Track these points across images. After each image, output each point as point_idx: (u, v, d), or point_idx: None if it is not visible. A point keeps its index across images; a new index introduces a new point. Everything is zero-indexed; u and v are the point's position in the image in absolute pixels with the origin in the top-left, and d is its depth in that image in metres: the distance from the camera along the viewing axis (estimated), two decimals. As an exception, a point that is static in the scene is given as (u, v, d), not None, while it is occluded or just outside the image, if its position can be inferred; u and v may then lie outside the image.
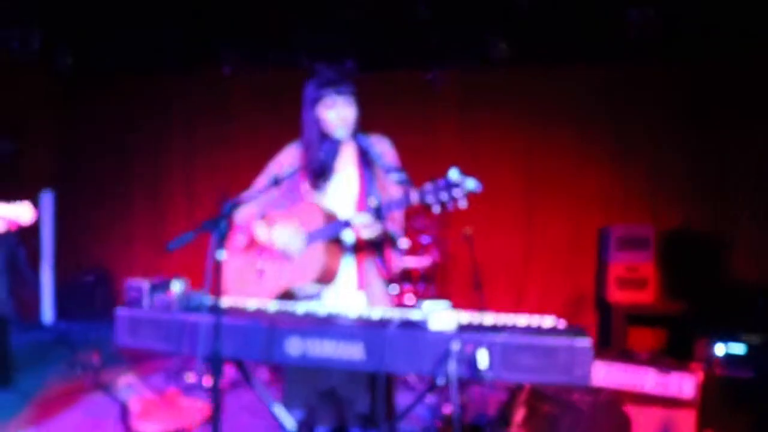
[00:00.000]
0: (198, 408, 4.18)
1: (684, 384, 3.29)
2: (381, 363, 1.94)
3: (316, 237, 2.48)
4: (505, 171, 6.25)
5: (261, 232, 2.60)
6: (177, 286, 2.28)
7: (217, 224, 2.00)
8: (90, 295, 6.66)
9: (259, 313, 2.24)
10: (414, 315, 2.09)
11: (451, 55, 6.08)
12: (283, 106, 6.52)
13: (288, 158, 2.68)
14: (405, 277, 5.28)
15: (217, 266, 1.99)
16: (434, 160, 6.28)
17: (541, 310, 5.80)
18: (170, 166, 6.87)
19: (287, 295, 2.56)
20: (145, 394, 4.43)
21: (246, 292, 2.64)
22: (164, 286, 2.35)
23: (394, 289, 2.71)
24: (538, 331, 1.94)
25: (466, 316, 2.14)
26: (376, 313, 2.25)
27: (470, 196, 2.04)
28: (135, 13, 5.62)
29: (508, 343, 1.86)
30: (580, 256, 6.16)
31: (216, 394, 2.04)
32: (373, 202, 2.30)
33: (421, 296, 5.27)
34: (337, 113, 2.50)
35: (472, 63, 6.11)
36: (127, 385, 4.76)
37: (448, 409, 4.21)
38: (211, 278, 2.01)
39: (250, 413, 4.19)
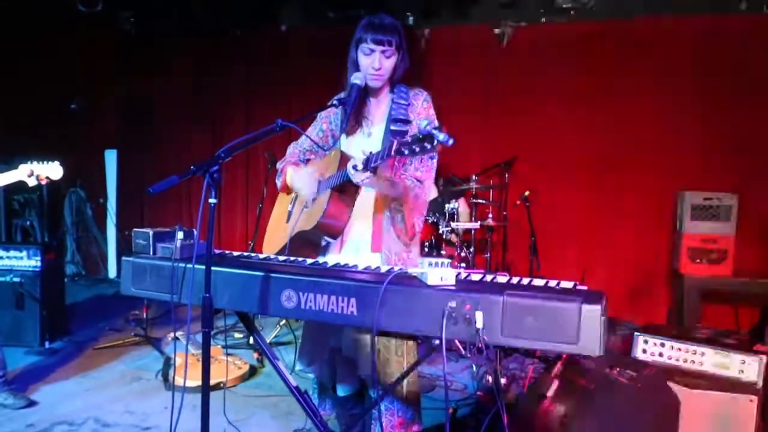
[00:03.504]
0: (237, 365, 4.19)
1: (747, 367, 2.97)
2: (373, 319, 1.79)
3: (327, 184, 2.40)
4: (573, 131, 5.87)
5: (288, 176, 2.61)
6: (180, 235, 2.20)
7: (207, 168, 1.88)
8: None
9: (258, 264, 2.14)
10: (412, 270, 1.93)
11: (518, 7, 5.75)
12: (340, 65, 6.47)
13: (334, 108, 2.58)
14: (457, 242, 5.07)
15: (209, 211, 1.89)
16: (496, 116, 6.01)
17: (609, 283, 5.55)
18: (230, 125, 6.90)
19: (300, 239, 2.47)
20: (188, 349, 4.48)
21: (277, 234, 2.67)
22: (169, 235, 2.30)
23: (415, 253, 2.53)
24: (546, 292, 1.73)
25: (476, 275, 1.96)
26: (380, 267, 2.10)
27: (444, 148, 1.93)
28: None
29: (509, 303, 1.67)
30: (654, 226, 5.72)
31: (206, 344, 1.95)
32: (364, 152, 2.16)
33: (471, 264, 5.06)
34: (371, 62, 2.38)
35: (539, 15, 5.78)
36: (175, 340, 4.84)
37: (490, 379, 4.05)
38: (201, 223, 1.92)
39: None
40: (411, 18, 6.29)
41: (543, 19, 5.88)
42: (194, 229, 2.30)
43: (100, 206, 7.27)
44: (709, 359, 3.05)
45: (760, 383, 2.92)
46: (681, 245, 5.29)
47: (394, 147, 1.97)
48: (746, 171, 5.40)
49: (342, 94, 2.50)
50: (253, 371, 4.28)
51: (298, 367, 2.64)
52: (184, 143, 7.01)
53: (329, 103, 2.37)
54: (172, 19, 6.48)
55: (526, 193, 5.25)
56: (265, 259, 2.31)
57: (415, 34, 6.18)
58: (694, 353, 3.10)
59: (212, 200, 1.90)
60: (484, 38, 6.10)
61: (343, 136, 2.56)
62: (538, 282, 1.88)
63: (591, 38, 5.79)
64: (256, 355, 4.51)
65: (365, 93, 2.48)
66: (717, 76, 5.49)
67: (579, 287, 1.82)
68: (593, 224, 5.95)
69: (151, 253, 2.29)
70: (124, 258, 2.28)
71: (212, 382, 3.91)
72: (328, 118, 2.66)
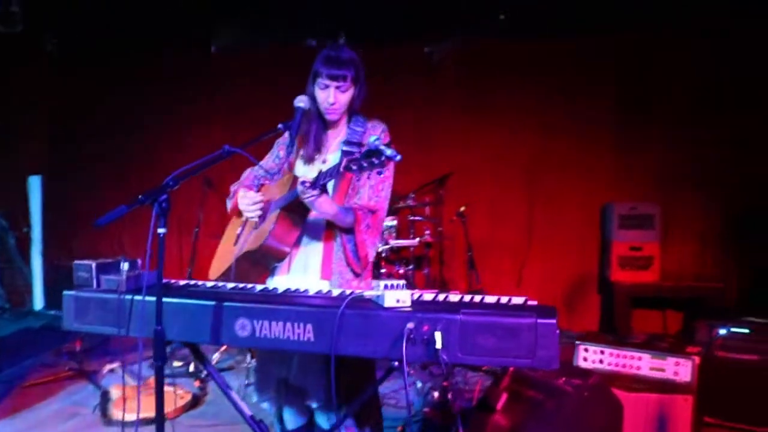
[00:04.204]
0: (179, 395, 4.07)
1: (680, 368, 3.12)
2: (331, 344, 1.79)
3: (276, 205, 2.40)
4: (505, 147, 6.05)
5: (238, 198, 2.58)
6: (125, 266, 2.14)
7: (156, 197, 1.84)
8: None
9: (208, 293, 2.11)
10: (367, 293, 1.94)
11: (450, 29, 5.89)
12: (272, 84, 6.44)
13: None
14: (396, 259, 5.12)
15: (158, 241, 1.85)
16: (432, 134, 6.10)
17: (543, 292, 5.71)
18: (163, 149, 6.72)
19: (246, 261, 2.44)
20: (126, 381, 4.32)
21: (225, 258, 2.62)
22: (113, 266, 2.23)
23: (367, 282, 2.52)
24: (501, 309, 1.78)
25: (428, 295, 1.99)
26: (332, 291, 2.11)
27: (397, 165, 2.01)
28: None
29: (466, 322, 1.71)
30: (584, 236, 5.96)
31: (159, 378, 1.90)
32: (316, 165, 2.20)
33: (411, 281, 5.11)
34: (326, 96, 2.38)
35: (471, 36, 5.93)
36: (110, 373, 4.67)
37: (438, 395, 4.08)
38: (150, 254, 1.87)
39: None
40: (343, 38, 6.34)
41: (472, 39, 6.02)
42: (138, 260, 2.25)
43: (24, 235, 6.94)
44: (646, 363, 3.19)
45: (694, 383, 3.07)
46: (610, 254, 5.53)
47: (343, 164, 1.99)
48: (667, 182, 5.70)
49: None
50: (196, 400, 4.16)
51: (254, 398, 2.59)
52: (115, 168, 6.79)
53: (277, 127, 2.36)
54: (98, 39, 6.29)
55: (462, 208, 5.34)
56: (213, 287, 2.27)
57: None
58: (632, 358, 3.23)
59: (161, 230, 1.86)
60: (415, 57, 6.21)
61: (300, 164, 2.55)
62: (490, 299, 1.93)
63: (520, 57, 5.98)
64: (197, 383, 4.39)
65: (324, 123, 2.49)
66: (636, 93, 5.78)
67: (530, 302, 1.88)
68: (526, 237, 6.13)
69: (95, 285, 2.21)
70: (65, 292, 2.19)
71: (153, 414, 3.81)
72: (285, 145, 2.64)
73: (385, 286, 1.83)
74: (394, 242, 5.04)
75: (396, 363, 1.80)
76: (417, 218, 5.38)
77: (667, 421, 3.07)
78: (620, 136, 5.84)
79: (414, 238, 5.24)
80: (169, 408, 3.82)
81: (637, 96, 5.77)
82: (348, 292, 2.08)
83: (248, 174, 2.75)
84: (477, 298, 1.94)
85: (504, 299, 1.92)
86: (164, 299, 1.92)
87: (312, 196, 2.16)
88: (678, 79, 5.65)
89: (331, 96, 2.37)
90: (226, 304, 1.94)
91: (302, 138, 2.53)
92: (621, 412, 2.87)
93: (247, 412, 2.20)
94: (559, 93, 5.91)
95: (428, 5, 5.88)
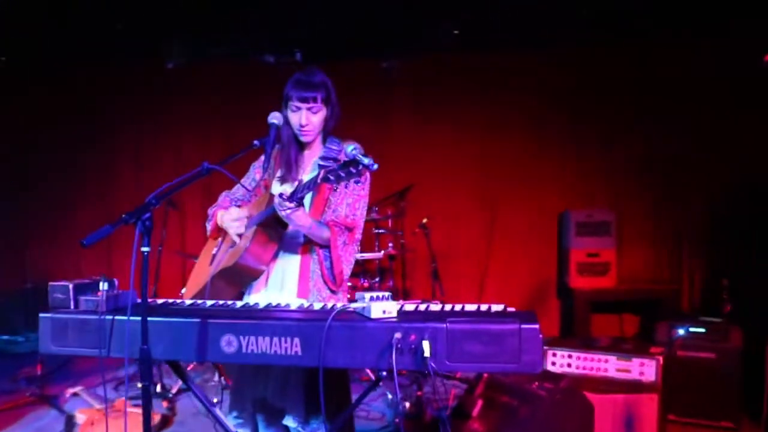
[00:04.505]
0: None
1: (645, 368, 3.25)
2: (319, 357, 1.82)
3: (254, 221, 2.42)
4: (460, 158, 6.18)
5: (218, 217, 2.61)
6: (104, 286, 2.12)
7: (139, 216, 1.85)
8: (33, 306, 6.37)
9: (191, 311, 2.11)
10: (353, 305, 1.97)
11: (406, 44, 5.98)
12: (228, 99, 6.42)
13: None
14: (360, 272, 5.16)
15: (142, 260, 1.84)
16: (390, 148, 6.17)
17: (504, 299, 5.79)
18: (115, 167, 6.61)
19: (222, 278, 2.45)
20: (91, 405, 4.24)
21: (201, 278, 2.61)
22: (91, 286, 2.20)
23: (342, 300, 2.54)
24: (484, 316, 1.84)
25: (410, 305, 2.04)
26: (314, 305, 2.14)
27: (374, 174, 2.06)
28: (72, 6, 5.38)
29: (452, 330, 1.76)
30: (542, 243, 6.11)
31: (146, 399, 1.89)
32: (292, 185, 2.23)
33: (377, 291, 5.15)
34: (299, 119, 2.42)
35: (427, 50, 6.03)
36: (73, 396, 4.56)
37: (408, 405, 4.13)
38: (134, 273, 1.87)
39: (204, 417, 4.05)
40: (299, 54, 6.36)
41: (428, 53, 6.13)
42: (115, 280, 2.23)
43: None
44: (612, 365, 3.31)
45: (659, 382, 3.20)
46: (569, 260, 5.68)
47: (321, 175, 2.02)
48: (621, 190, 5.93)
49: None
50: (165, 421, 4.11)
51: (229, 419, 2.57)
52: (67, 187, 6.62)
53: (253, 143, 2.37)
54: (48, 56, 6.16)
55: (425, 220, 5.43)
56: (193, 305, 2.26)
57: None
58: (599, 361, 3.35)
59: (145, 249, 1.86)
60: (372, 72, 6.29)
61: (276, 185, 2.57)
62: (471, 307, 1.99)
63: (475, 70, 6.13)
64: (165, 404, 4.34)
65: (299, 146, 2.53)
66: (589, 103, 5.98)
67: (509, 309, 1.95)
68: (486, 246, 6.25)
69: (72, 306, 2.18)
70: (41, 315, 2.14)
71: (123, 437, 3.73)
72: (261, 168, 2.65)
73: (371, 298, 1.87)
74: (359, 255, 5.08)
75: (384, 373, 1.83)
76: (381, 231, 5.43)
77: (634, 420, 3.20)
78: (575, 146, 6.03)
79: (379, 250, 5.29)
80: (138, 430, 3.76)
81: (590, 106, 5.96)
82: (330, 304, 2.11)
83: (224, 197, 2.77)
84: (458, 307, 2.00)
85: (484, 307, 1.97)
86: (148, 318, 1.92)
87: (288, 209, 2.19)
88: (628, 90, 5.87)
89: (303, 118, 2.42)
90: (211, 321, 1.94)
91: (278, 159, 2.57)
92: (592, 413, 2.97)
93: (233, 429, 2.20)
94: (514, 105, 6.07)
95: (384, 21, 5.96)
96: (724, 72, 5.48)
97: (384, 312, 1.85)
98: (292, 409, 2.27)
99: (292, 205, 2.18)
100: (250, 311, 2.09)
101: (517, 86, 6.05)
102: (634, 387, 3.24)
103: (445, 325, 1.76)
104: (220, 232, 2.65)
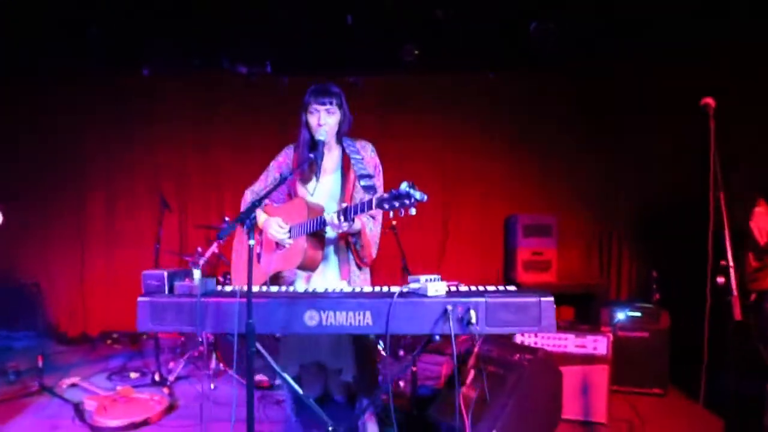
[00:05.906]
0: (156, 400, 4.37)
1: (598, 344, 3.95)
2: (387, 327, 2.37)
3: (299, 230, 2.89)
4: (422, 169, 6.78)
5: (260, 221, 3.04)
6: (196, 274, 2.59)
7: (246, 216, 2.35)
8: (14, 304, 6.51)
9: (277, 294, 2.60)
10: (410, 286, 2.53)
11: (371, 61, 6.52)
12: (203, 108, 6.78)
13: (286, 158, 3.06)
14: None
15: (251, 253, 2.33)
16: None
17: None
18: (90, 174, 6.82)
19: (276, 279, 2.95)
20: (95, 392, 4.56)
21: (255, 271, 2.94)
22: (182, 274, 2.66)
23: (367, 275, 3.12)
24: (510, 292, 2.44)
25: (452, 286, 2.61)
26: (376, 288, 2.68)
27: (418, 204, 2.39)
28: (53, 13, 5.61)
29: (491, 303, 2.36)
30: (490, 244, 6.84)
31: (250, 363, 2.37)
32: (343, 205, 2.68)
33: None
34: (316, 119, 2.92)
35: (390, 69, 6.59)
36: (71, 387, 4.85)
37: (403, 385, 4.64)
38: (247, 264, 2.35)
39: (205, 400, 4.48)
40: (269, 66, 6.79)
41: (391, 71, 6.71)
42: (196, 269, 2.69)
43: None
44: (571, 342, 4.00)
45: (609, 355, 3.92)
46: (515, 258, 6.41)
47: (374, 202, 2.49)
48: (562, 196, 6.74)
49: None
50: (171, 406, 4.47)
51: (277, 381, 3.09)
52: (43, 192, 6.78)
53: (309, 156, 2.85)
54: (20, 66, 6.31)
55: (394, 222, 6.01)
56: (267, 291, 2.73)
57: (274, 81, 6.72)
58: (560, 339, 4.03)
59: (251, 242, 2.35)
60: (341, 86, 6.73)
61: (299, 185, 3.07)
62: (492, 288, 2.58)
63: (436, 89, 6.83)
64: (166, 390, 4.71)
65: (321, 147, 2.98)
66: (531, 121, 6.77)
67: (522, 287, 2.57)
68: (441, 246, 6.92)
69: (167, 291, 2.62)
70: (140, 298, 2.57)
71: (138, 419, 4.14)
72: (281, 168, 3.12)
73: (426, 280, 2.44)
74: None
75: (437, 337, 2.40)
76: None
77: (589, 387, 3.90)
78: (520, 157, 6.82)
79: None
80: (151, 413, 4.15)
81: (532, 123, 6.74)
82: (387, 288, 2.63)
83: (250, 197, 3.18)
84: (488, 287, 2.57)
85: (501, 287, 2.58)
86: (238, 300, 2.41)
87: (345, 227, 2.69)
88: (567, 108, 6.68)
89: (321, 118, 2.95)
90: (295, 300, 2.46)
91: (295, 159, 3.05)
92: (561, 379, 3.64)
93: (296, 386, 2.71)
94: (468, 120, 6.78)
95: (352, 39, 6.48)
96: (646, 95, 6.37)
97: (436, 291, 2.43)
98: (347, 369, 2.82)
99: (348, 224, 2.68)
100: (326, 293, 2.60)
101: (471, 103, 6.77)
102: (589, 359, 3.94)
103: (485, 300, 2.36)
104: (260, 233, 3.11)
